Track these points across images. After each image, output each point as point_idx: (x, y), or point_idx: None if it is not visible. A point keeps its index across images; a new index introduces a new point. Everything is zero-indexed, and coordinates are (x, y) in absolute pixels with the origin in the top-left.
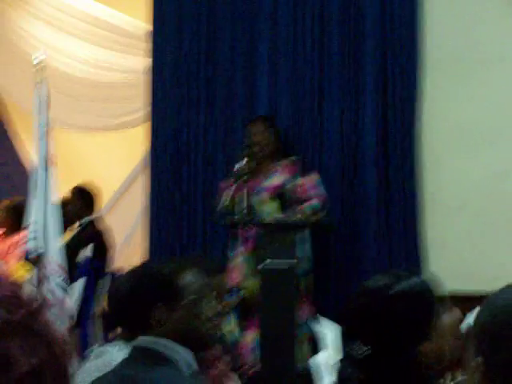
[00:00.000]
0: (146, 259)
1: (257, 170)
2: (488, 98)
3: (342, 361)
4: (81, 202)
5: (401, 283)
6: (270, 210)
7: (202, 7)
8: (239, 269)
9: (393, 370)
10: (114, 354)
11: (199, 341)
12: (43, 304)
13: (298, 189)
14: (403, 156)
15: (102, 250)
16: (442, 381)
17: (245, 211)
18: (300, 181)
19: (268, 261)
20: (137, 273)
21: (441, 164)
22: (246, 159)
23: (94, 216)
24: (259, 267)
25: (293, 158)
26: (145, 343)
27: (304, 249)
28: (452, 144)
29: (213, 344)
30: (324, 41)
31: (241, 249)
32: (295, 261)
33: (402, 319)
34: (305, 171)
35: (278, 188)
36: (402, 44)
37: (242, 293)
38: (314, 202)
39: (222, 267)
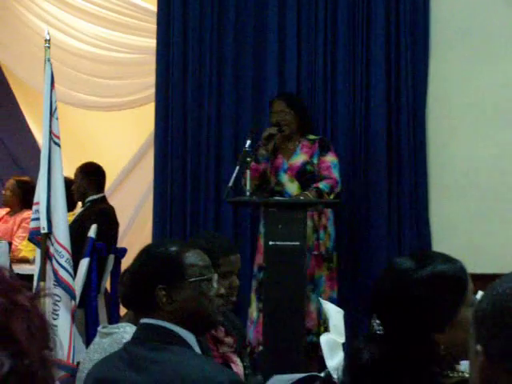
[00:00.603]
0: (156, 240)
1: (279, 149)
2: (494, 78)
3: (359, 336)
4: (86, 181)
5: (428, 267)
6: (291, 191)
7: None
8: (261, 249)
9: (405, 353)
10: (127, 331)
11: (202, 322)
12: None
13: (316, 168)
14: (414, 139)
15: (106, 229)
16: (449, 372)
17: (248, 193)
18: (317, 160)
19: (270, 243)
20: (140, 255)
21: (446, 144)
22: (248, 141)
23: (98, 195)
24: (269, 244)
25: (313, 137)
26: (151, 323)
27: (332, 227)
28: (458, 124)
29: (216, 326)
30: (332, 22)
31: (263, 229)
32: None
33: (423, 304)
34: (328, 150)
35: (297, 169)
36: (411, 24)
37: (261, 274)
38: (323, 184)
39: (231, 247)
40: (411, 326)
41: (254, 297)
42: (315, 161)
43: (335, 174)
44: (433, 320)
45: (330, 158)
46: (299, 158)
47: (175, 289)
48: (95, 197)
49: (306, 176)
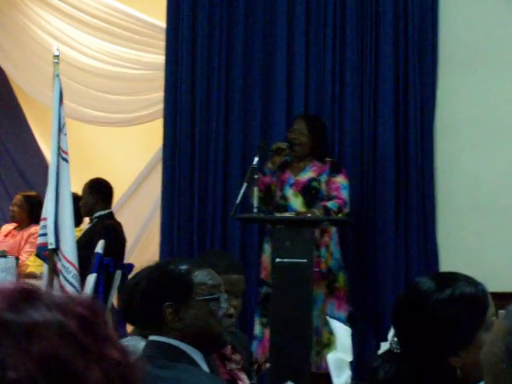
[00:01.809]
0: (164, 258)
1: (289, 166)
2: (502, 97)
3: (378, 353)
4: (94, 196)
5: (449, 288)
6: (294, 206)
7: (217, 5)
8: (264, 264)
9: (420, 373)
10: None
11: (210, 342)
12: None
13: (323, 187)
14: (422, 156)
15: (113, 245)
16: None
17: (255, 209)
18: (325, 180)
19: (277, 260)
20: (148, 271)
21: (454, 162)
22: (256, 159)
23: (106, 211)
24: (277, 261)
25: (325, 159)
26: (158, 340)
27: (336, 247)
28: (466, 142)
29: (224, 346)
30: (341, 39)
31: (266, 245)
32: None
33: (442, 325)
34: (339, 172)
35: (303, 185)
36: (420, 42)
37: (264, 289)
38: (331, 203)
39: (235, 267)
40: (428, 347)
41: (256, 312)
42: (322, 179)
43: (344, 194)
44: (450, 342)
45: (340, 180)
46: (306, 175)
47: (183, 307)
48: (102, 212)
49: (310, 192)
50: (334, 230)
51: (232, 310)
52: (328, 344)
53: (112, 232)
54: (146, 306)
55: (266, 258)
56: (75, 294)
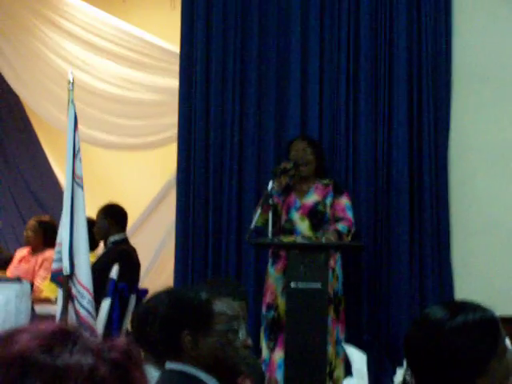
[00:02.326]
0: (175, 285)
1: (293, 188)
2: None
3: None
4: (108, 221)
5: (460, 317)
6: (301, 230)
7: (231, 30)
8: (271, 288)
9: None
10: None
11: (226, 371)
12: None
13: (328, 210)
14: (436, 178)
15: (127, 270)
16: None
17: (270, 234)
18: (330, 202)
19: (292, 284)
20: (166, 298)
21: (469, 185)
22: (270, 184)
23: (120, 236)
24: (291, 286)
25: (327, 180)
26: (175, 369)
27: (340, 270)
28: (480, 164)
29: (240, 375)
30: (355, 63)
31: (272, 269)
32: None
33: (455, 354)
34: (342, 193)
35: (309, 208)
36: (433, 65)
37: (271, 314)
38: (340, 225)
39: (236, 293)
40: (444, 378)
41: (262, 336)
42: (328, 202)
43: (350, 215)
44: (466, 371)
45: (344, 201)
46: (312, 198)
47: (202, 335)
48: (117, 238)
49: (317, 216)
50: (338, 253)
51: (250, 342)
52: (334, 369)
53: (126, 257)
54: (163, 333)
55: (271, 281)
56: (111, 337)
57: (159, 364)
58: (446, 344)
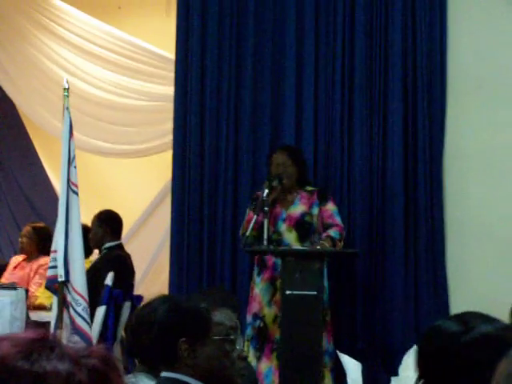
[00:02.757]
0: (170, 292)
1: (278, 199)
2: (511, 125)
3: None
4: (103, 228)
5: (475, 330)
6: (288, 241)
7: (226, 38)
8: (258, 298)
9: None
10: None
11: (222, 381)
12: None
13: (315, 220)
14: (431, 185)
15: (120, 276)
16: None
17: (265, 242)
18: (317, 212)
19: (287, 292)
20: (162, 305)
21: (464, 192)
22: (266, 191)
23: (115, 242)
24: (286, 293)
25: (311, 188)
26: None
27: (326, 279)
28: (475, 171)
29: None
30: (350, 70)
31: (258, 278)
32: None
33: (471, 367)
34: (328, 200)
35: (296, 220)
36: (428, 72)
37: (257, 323)
38: (332, 231)
39: (234, 304)
40: None
41: (248, 345)
42: (314, 212)
43: (338, 220)
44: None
45: (331, 207)
46: (298, 209)
47: (199, 344)
48: (112, 244)
49: (304, 227)
50: (324, 264)
51: (245, 353)
52: (322, 378)
53: (118, 263)
54: (160, 340)
55: (257, 291)
56: (91, 345)
57: (153, 373)
58: (463, 357)
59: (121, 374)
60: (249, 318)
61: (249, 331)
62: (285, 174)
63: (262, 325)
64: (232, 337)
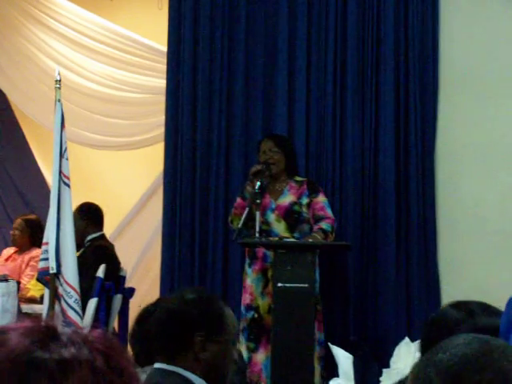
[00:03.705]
0: (162, 284)
1: (267, 189)
2: (502, 119)
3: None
4: (84, 221)
5: (473, 320)
6: (277, 231)
7: (218, 30)
8: (250, 289)
9: None
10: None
11: (219, 380)
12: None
13: (304, 210)
14: (423, 181)
15: (109, 267)
16: None
17: (257, 234)
18: (306, 202)
19: (279, 284)
20: (189, 295)
21: (455, 187)
22: (258, 183)
23: (97, 233)
24: (278, 286)
25: (300, 178)
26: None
27: (317, 269)
28: (467, 167)
29: None
30: (342, 64)
31: (249, 270)
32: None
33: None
34: (318, 192)
35: (285, 209)
36: (420, 67)
37: (251, 314)
38: (324, 224)
39: None
40: None
41: (242, 337)
42: (303, 202)
43: (329, 212)
44: None
45: (322, 199)
46: (287, 199)
47: (211, 341)
48: (94, 235)
49: (293, 216)
50: (316, 254)
51: (236, 356)
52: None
53: (101, 252)
54: (176, 329)
55: (249, 282)
56: (87, 329)
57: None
58: None
59: (128, 356)
60: (242, 310)
61: (241, 323)
62: (271, 160)
63: (256, 316)
64: (235, 339)
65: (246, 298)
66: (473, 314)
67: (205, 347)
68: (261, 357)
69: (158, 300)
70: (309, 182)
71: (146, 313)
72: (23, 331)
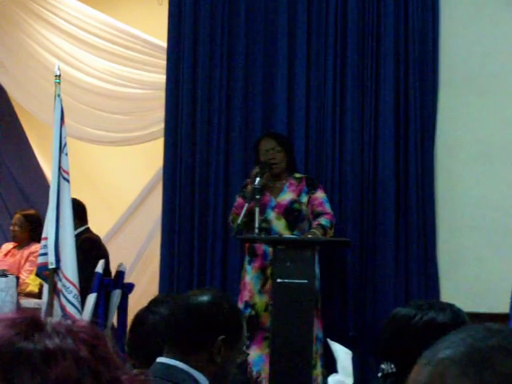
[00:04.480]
0: (161, 281)
1: (267, 187)
2: (502, 117)
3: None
4: None
5: (429, 314)
6: (277, 229)
7: (218, 26)
8: (249, 286)
9: None
10: None
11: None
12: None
13: (304, 207)
14: (422, 176)
15: (91, 256)
16: None
17: (256, 230)
18: (306, 200)
19: (279, 280)
20: (222, 300)
21: (455, 183)
22: (258, 179)
23: (82, 227)
24: (278, 282)
25: (299, 175)
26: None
27: (318, 266)
28: (466, 163)
29: None
30: (342, 61)
31: (249, 267)
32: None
33: (425, 346)
34: (317, 188)
35: (284, 207)
36: (420, 64)
37: (248, 311)
38: (323, 220)
39: None
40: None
41: None
42: (303, 199)
43: (328, 208)
44: None
45: (321, 195)
46: (286, 196)
47: (229, 346)
48: (80, 230)
49: (293, 214)
50: (316, 250)
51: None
52: (314, 365)
53: (88, 245)
54: (196, 329)
55: (248, 279)
56: (74, 319)
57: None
58: (409, 340)
59: (112, 347)
60: (240, 307)
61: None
62: (274, 159)
63: (253, 313)
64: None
65: (244, 295)
66: (421, 308)
67: (220, 351)
68: (253, 353)
69: (149, 305)
70: (308, 179)
71: (139, 319)
72: (8, 323)
